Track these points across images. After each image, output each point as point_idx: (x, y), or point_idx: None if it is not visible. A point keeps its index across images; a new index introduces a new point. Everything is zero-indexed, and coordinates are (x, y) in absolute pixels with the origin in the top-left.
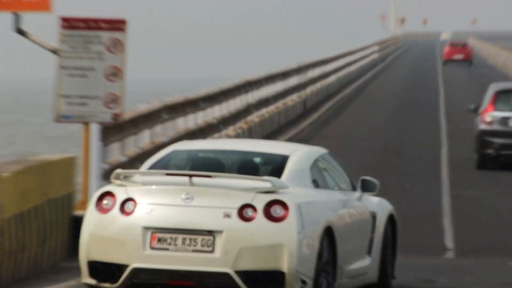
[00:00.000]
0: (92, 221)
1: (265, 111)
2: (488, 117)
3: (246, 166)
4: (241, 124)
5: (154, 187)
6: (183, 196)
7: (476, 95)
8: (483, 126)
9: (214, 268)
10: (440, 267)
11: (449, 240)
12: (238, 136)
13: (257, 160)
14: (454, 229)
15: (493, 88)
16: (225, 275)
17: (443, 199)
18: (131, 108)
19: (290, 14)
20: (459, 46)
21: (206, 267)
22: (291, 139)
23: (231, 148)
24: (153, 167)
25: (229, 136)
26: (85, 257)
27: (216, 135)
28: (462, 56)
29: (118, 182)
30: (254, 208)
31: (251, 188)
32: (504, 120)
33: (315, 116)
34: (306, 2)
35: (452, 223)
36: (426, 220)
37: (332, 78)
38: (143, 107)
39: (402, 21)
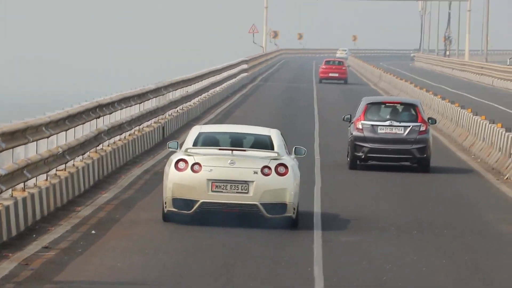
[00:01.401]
0: (173, 175)
1: (118, 139)
2: (359, 125)
3: (258, 141)
4: (91, 154)
5: (211, 156)
6: (229, 162)
7: (349, 110)
8: (355, 133)
9: (248, 201)
10: None
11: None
12: (87, 167)
13: (256, 138)
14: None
15: (364, 101)
16: (255, 206)
17: (315, 243)
18: None
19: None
20: (335, 64)
21: (244, 201)
22: (147, 172)
23: (238, 131)
24: (195, 144)
25: (77, 167)
26: (170, 195)
27: (64, 166)
28: (338, 75)
29: (187, 153)
30: (269, 168)
31: (266, 157)
32: (373, 128)
33: None
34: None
35: (324, 273)
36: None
37: (194, 101)
38: None
39: (275, 35)
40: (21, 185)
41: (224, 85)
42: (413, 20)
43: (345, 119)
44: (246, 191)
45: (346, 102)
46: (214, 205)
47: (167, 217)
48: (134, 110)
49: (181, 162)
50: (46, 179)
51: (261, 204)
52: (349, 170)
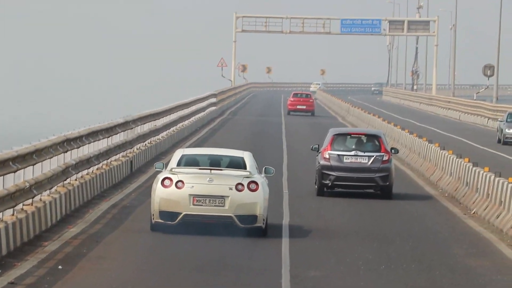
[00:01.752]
0: (160, 191)
1: (86, 173)
2: (326, 155)
3: (233, 162)
4: (58, 188)
5: (193, 175)
6: (207, 179)
7: (316, 140)
8: (322, 162)
9: (224, 213)
10: None
11: None
12: (54, 201)
13: (231, 159)
14: None
15: (331, 132)
16: (230, 217)
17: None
18: None
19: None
20: (303, 97)
21: (220, 213)
22: (115, 206)
23: (215, 153)
24: (178, 164)
25: (44, 202)
26: (157, 208)
27: (34, 199)
28: (305, 107)
29: (171, 172)
30: (242, 185)
31: (240, 175)
32: (339, 157)
33: (143, 179)
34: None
35: None
36: None
37: (163, 135)
38: None
39: (244, 68)
40: None
41: (193, 118)
42: (381, 54)
43: (313, 148)
44: (223, 205)
45: (314, 135)
46: (195, 217)
47: (155, 228)
48: (102, 144)
49: (166, 179)
50: (13, 214)
51: (235, 215)
52: (316, 196)
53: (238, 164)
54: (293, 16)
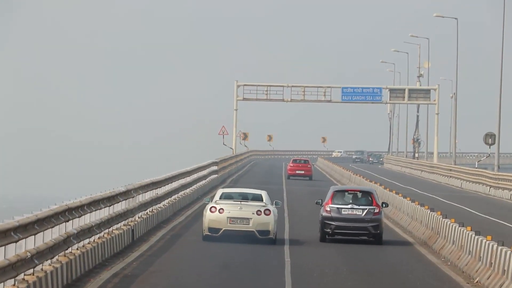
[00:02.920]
0: (209, 215)
1: (87, 242)
2: (328, 208)
3: (255, 197)
4: (60, 257)
5: (229, 205)
6: (238, 208)
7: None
8: (324, 214)
9: (249, 229)
10: None
11: None
12: (55, 271)
13: (254, 195)
14: None
15: (332, 189)
16: (252, 231)
17: None
18: None
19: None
20: (301, 163)
21: (247, 229)
22: (116, 275)
23: (243, 191)
24: (220, 198)
25: (45, 272)
26: (207, 226)
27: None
28: (303, 172)
29: (215, 203)
30: (260, 211)
31: (259, 205)
32: (338, 210)
33: (144, 247)
34: (131, 106)
35: None
36: None
37: (164, 203)
38: None
39: (245, 136)
40: None
41: (194, 186)
42: (382, 122)
43: (317, 202)
44: (248, 223)
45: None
46: (231, 231)
47: (205, 238)
48: (104, 212)
49: (212, 207)
50: (14, 284)
51: (256, 230)
52: (319, 242)
53: (258, 198)
54: (294, 84)
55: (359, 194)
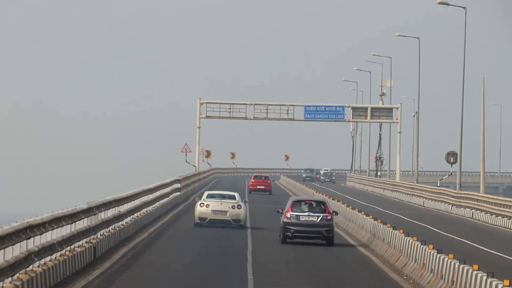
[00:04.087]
0: (199, 208)
1: (49, 260)
2: (288, 215)
3: (230, 197)
4: (20, 275)
5: (213, 202)
6: (219, 203)
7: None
8: (285, 220)
9: (226, 218)
10: None
11: None
12: None
13: (229, 195)
14: None
15: (291, 199)
16: (229, 221)
17: None
18: None
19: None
20: (262, 178)
21: (225, 218)
22: None
23: (222, 193)
24: (207, 197)
25: None
26: (197, 216)
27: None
28: (264, 187)
29: (203, 200)
30: (234, 206)
31: (234, 202)
32: (297, 217)
33: (106, 265)
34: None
35: None
36: None
37: (127, 220)
38: None
39: (208, 154)
40: None
41: (157, 204)
42: (345, 140)
43: (278, 211)
44: (226, 215)
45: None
46: (214, 220)
47: (196, 225)
48: (66, 230)
49: (201, 203)
50: None
51: (231, 219)
52: (281, 244)
53: (233, 197)
54: (257, 102)
55: (314, 204)
